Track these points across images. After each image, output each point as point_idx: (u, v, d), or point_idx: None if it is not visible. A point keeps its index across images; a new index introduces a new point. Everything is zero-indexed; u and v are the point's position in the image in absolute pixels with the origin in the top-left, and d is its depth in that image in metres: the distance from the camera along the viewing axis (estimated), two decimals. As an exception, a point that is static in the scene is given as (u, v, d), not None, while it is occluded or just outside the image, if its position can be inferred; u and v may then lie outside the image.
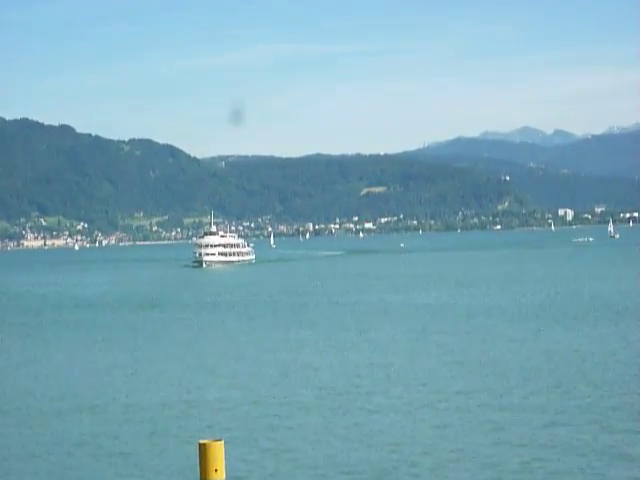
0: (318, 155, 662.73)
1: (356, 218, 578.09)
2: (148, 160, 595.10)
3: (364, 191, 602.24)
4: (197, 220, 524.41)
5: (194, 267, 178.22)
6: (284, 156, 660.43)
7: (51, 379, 42.98)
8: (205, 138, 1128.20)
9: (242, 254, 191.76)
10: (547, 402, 32.88)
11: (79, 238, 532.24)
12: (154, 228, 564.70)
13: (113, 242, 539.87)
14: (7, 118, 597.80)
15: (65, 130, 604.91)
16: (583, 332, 52.58)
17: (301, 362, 45.04)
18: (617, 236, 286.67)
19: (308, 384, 38.64)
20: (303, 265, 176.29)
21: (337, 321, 64.84)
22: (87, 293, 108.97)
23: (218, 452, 11.01)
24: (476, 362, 42.65)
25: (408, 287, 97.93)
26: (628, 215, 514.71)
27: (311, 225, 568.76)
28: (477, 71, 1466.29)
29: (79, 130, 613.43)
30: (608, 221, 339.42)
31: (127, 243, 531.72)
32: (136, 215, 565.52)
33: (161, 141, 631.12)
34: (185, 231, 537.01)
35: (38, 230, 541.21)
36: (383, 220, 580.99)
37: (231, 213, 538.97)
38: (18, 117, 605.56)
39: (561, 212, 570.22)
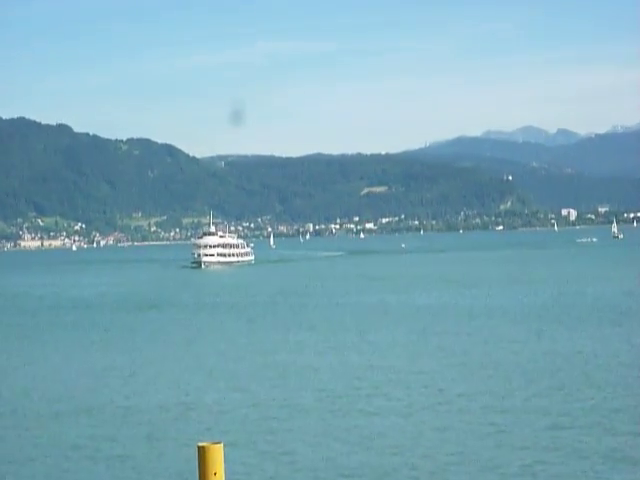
0: (318, 154, 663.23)
1: (357, 218, 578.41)
2: (146, 160, 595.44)
3: (365, 191, 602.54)
4: (196, 220, 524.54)
5: (193, 268, 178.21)
6: (284, 155, 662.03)
7: (48, 381, 42.98)
8: (204, 137, 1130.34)
9: (241, 255, 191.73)
10: (550, 404, 32.88)
11: (77, 239, 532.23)
12: (152, 228, 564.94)
13: (111, 243, 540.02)
14: (4, 117, 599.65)
15: (62, 129, 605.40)
16: (586, 333, 52.58)
17: (301, 364, 45.04)
18: (621, 236, 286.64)
19: (308, 386, 38.64)
20: (303, 266, 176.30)
21: (337, 322, 64.85)
22: (85, 294, 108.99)
23: (217, 455, 10.92)
24: (478, 364, 42.65)
25: (409, 288, 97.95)
26: (632, 215, 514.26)
27: (311, 225, 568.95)
28: (479, 69, 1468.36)
29: (77, 129, 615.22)
30: (612, 221, 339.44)
31: (125, 244, 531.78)
32: (134, 215, 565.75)
33: (160, 140, 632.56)
34: (184, 231, 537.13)
35: (35, 230, 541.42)
36: (384, 220, 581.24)
37: (230, 213, 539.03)
38: (15, 116, 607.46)
39: (564, 212, 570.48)
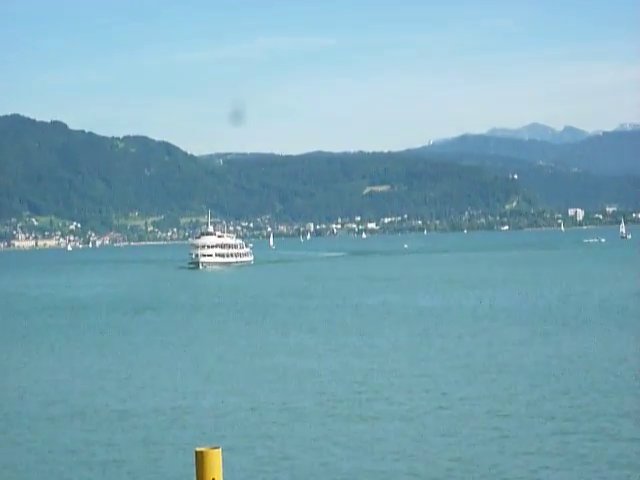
0: (319, 153, 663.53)
1: (359, 218, 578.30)
2: (143, 158, 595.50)
3: (367, 190, 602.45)
4: (194, 220, 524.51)
5: (190, 268, 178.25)
6: (284, 154, 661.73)
7: (42, 384, 43.05)
8: (202, 135, 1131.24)
9: (240, 255, 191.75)
10: (555, 409, 32.95)
11: (72, 238, 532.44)
12: (149, 228, 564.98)
13: (107, 242, 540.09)
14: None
15: (57, 126, 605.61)
16: (593, 336, 52.63)
17: (300, 367, 45.12)
18: (629, 237, 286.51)
19: (307, 390, 38.72)
20: (303, 267, 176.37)
21: (338, 324, 64.93)
22: (80, 295, 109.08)
23: (215, 460, 10.99)
24: (481, 367, 42.72)
25: (411, 289, 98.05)
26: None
27: (312, 225, 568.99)
28: (484, 66, 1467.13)
29: (72, 126, 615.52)
30: (620, 221, 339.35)
31: (121, 243, 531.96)
32: (131, 215, 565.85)
33: (157, 138, 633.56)
34: (181, 231, 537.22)
35: (29, 230, 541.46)
36: (387, 220, 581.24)
37: (229, 213, 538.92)
38: (9, 113, 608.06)
39: (571, 212, 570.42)
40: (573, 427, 30.14)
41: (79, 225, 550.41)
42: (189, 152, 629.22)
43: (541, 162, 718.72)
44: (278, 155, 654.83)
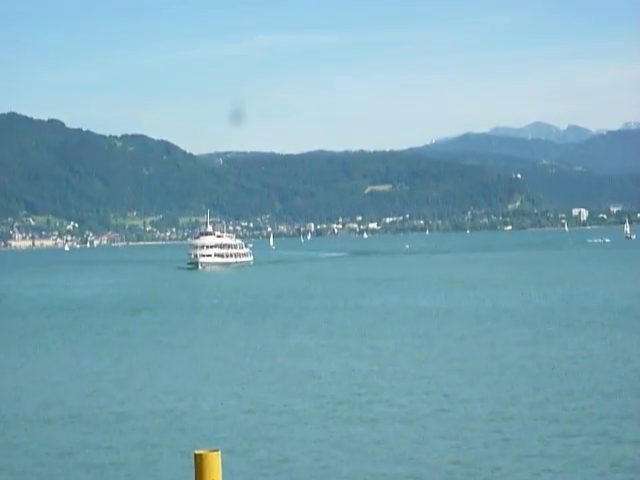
0: (320, 152, 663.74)
1: (360, 218, 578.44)
2: (142, 157, 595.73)
3: (368, 189, 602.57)
4: (193, 220, 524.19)
5: (189, 269, 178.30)
6: (284, 153, 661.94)
7: (39, 385, 43.08)
8: (202, 134, 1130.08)
9: (240, 255, 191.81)
10: (558, 411, 32.96)
11: (69, 238, 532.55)
12: (148, 228, 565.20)
13: (105, 242, 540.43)
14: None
15: (55, 125, 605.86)
16: (596, 337, 52.65)
17: (300, 368, 45.14)
18: (634, 237, 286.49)
19: (307, 392, 38.73)
20: (304, 267, 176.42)
21: (338, 325, 64.96)
22: (77, 296, 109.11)
23: (215, 463, 11.03)
24: (483, 368, 42.74)
25: (413, 290, 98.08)
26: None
27: (312, 225, 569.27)
28: (484, 63, 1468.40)
29: (69, 125, 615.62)
30: (624, 221, 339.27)
31: (119, 243, 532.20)
32: (129, 214, 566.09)
33: (155, 137, 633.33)
34: (180, 231, 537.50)
35: (26, 230, 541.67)
36: (388, 220, 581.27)
37: (229, 212, 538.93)
38: (5, 111, 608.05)
39: (575, 212, 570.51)
40: (576, 429, 30.16)
41: (76, 225, 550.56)
42: (188, 151, 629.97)
43: (544, 161, 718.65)
44: (278, 154, 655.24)
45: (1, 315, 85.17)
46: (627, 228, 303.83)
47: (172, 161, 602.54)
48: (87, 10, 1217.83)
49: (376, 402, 35.93)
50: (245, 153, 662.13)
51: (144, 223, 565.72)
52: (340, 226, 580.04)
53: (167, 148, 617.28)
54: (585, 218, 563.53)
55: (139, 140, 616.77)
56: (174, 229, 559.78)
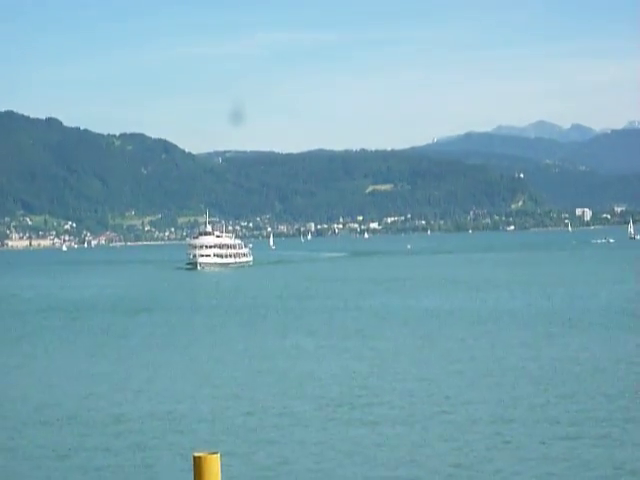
0: (320, 151, 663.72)
1: (361, 218, 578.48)
2: (140, 156, 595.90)
3: (369, 189, 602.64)
4: (192, 219, 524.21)
5: (188, 269, 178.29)
6: (284, 152, 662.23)
7: (35, 387, 43.12)
8: (201, 132, 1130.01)
9: (239, 255, 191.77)
10: (559, 413, 33.01)
11: (67, 238, 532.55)
12: (146, 228, 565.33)
13: (103, 242, 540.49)
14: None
15: (52, 124, 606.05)
16: (599, 339, 52.68)
17: (300, 370, 45.20)
18: (638, 237, 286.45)
19: (307, 393, 38.79)
20: (304, 267, 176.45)
21: (338, 327, 65.00)
22: (75, 296, 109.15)
23: (214, 465, 11.10)
24: (485, 370, 42.78)
25: (414, 291, 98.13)
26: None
27: (313, 225, 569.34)
28: (488, 62, 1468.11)
29: (67, 124, 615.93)
30: (628, 221, 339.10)
31: (118, 243, 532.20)
32: (127, 214, 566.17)
33: (154, 135, 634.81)
34: (179, 231, 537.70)
35: (23, 230, 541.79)
36: (389, 220, 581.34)
37: (228, 212, 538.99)
38: (2, 110, 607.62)
39: (579, 212, 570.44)
40: (578, 432, 30.20)
41: (74, 224, 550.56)
42: (187, 150, 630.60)
43: (548, 161, 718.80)
44: (278, 153, 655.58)
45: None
46: (631, 228, 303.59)
47: (171, 160, 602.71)
48: (85, 8, 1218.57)
49: (376, 404, 35.98)
50: (245, 152, 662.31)
51: (142, 223, 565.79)
52: (341, 226, 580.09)
53: (166, 147, 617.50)
54: (589, 218, 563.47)
55: (137, 139, 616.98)
56: (173, 229, 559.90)
